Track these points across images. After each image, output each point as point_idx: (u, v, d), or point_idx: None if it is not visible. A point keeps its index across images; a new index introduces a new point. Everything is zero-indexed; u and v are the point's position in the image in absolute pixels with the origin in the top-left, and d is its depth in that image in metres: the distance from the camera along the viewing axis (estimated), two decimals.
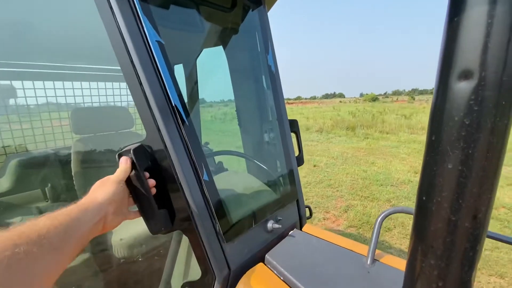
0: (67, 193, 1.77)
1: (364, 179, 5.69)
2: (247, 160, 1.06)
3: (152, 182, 0.64)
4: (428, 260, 0.40)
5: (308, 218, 1.05)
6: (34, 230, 0.42)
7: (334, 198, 4.74)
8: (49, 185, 1.70)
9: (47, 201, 1.66)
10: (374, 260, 0.72)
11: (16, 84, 1.87)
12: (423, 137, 10.40)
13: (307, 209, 1.04)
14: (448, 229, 0.34)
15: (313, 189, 5.16)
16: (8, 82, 1.78)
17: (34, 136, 1.98)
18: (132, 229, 1.39)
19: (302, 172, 6.04)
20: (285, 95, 1.06)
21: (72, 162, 1.64)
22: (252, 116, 1.07)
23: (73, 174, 1.61)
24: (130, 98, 2.43)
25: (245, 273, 0.71)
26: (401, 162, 6.96)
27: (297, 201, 0.98)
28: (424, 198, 0.38)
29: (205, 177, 0.67)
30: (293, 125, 1.05)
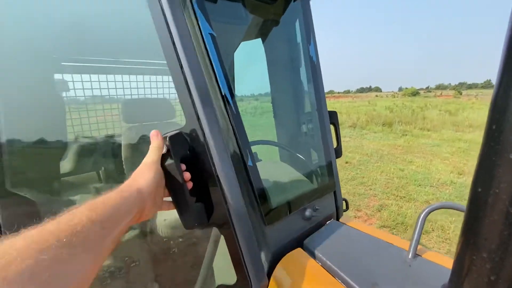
0: (118, 176, 1.96)
1: (400, 178, 5.41)
2: (284, 151, 1.09)
3: (187, 175, 0.61)
4: (480, 253, 0.39)
5: (345, 210, 1.06)
6: (67, 226, 0.37)
7: (366, 196, 4.59)
8: (103, 168, 1.90)
9: (101, 183, 1.86)
10: (416, 255, 0.71)
11: (75, 77, 2.09)
12: (470, 136, 9.52)
13: (343, 202, 1.05)
14: (505, 221, 0.34)
15: (345, 186, 5.04)
16: (70, 76, 2.01)
17: (89, 124, 2.23)
18: (175, 211, 1.50)
19: None
20: None
21: (122, 148, 1.81)
22: (290, 107, 1.09)
23: (123, 159, 1.79)
24: (171, 91, 2.58)
25: (283, 256, 0.75)
26: (443, 162, 6.47)
27: (335, 192, 0.99)
28: (479, 189, 0.37)
29: (249, 162, 0.71)
30: (332, 117, 1.05)
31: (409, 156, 7.13)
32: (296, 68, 1.04)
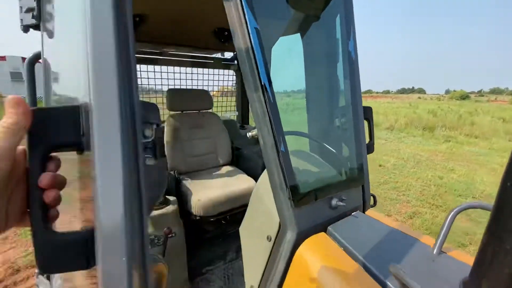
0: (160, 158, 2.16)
1: (438, 187, 5.07)
2: (314, 144, 1.13)
3: (51, 179, 0.34)
4: (503, 245, 0.41)
5: (372, 206, 1.07)
6: None
7: (398, 202, 4.39)
8: None
9: None
10: (441, 252, 0.72)
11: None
12: None
13: (371, 198, 1.07)
14: None
15: (375, 189, 4.86)
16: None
17: None
18: (209, 192, 1.63)
19: None
20: None
21: (164, 133, 1.98)
22: (324, 101, 1.12)
23: (165, 143, 1.96)
24: (210, 82, 2.71)
25: (308, 237, 0.81)
26: (490, 173, 5.91)
27: (363, 186, 1.01)
28: (509, 184, 0.40)
29: (282, 148, 0.78)
30: (367, 112, 1.07)
31: (450, 163, 6.62)
32: (334, 62, 1.06)
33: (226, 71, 2.90)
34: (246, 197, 1.74)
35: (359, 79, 1.04)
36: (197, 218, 1.61)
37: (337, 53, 1.04)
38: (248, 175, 1.94)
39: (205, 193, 1.63)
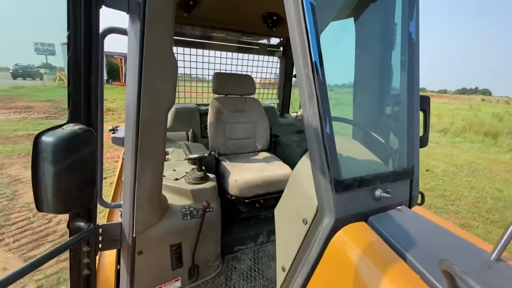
0: (202, 140, 2.27)
1: (496, 200, 4.50)
2: (359, 132, 1.08)
3: None
4: None
5: (420, 204, 1.00)
6: None
7: (445, 211, 4.01)
8: (191, 130, 2.22)
9: (188, 141, 2.18)
10: (499, 259, 0.65)
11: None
12: None
13: (419, 196, 0.99)
14: None
15: None
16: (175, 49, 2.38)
17: (184, 92, 2.62)
18: (246, 175, 1.67)
19: None
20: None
21: (208, 115, 2.07)
22: (374, 88, 1.05)
23: (208, 124, 2.05)
24: (254, 69, 2.73)
25: (346, 224, 0.78)
26: None
27: (411, 181, 0.94)
28: None
29: (327, 129, 0.76)
30: (424, 102, 0.98)
31: None
32: (390, 46, 0.99)
33: (269, 59, 2.88)
34: (282, 183, 1.75)
35: (418, 65, 0.95)
36: (233, 198, 1.67)
37: (395, 35, 0.97)
38: (285, 163, 1.94)
39: (242, 174, 1.67)
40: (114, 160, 5.07)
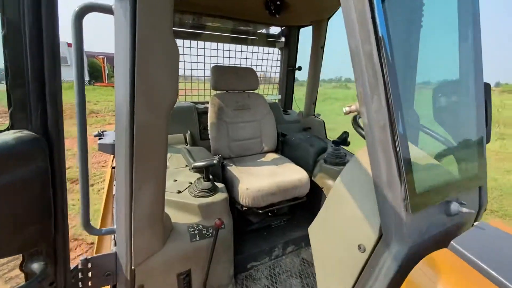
0: (202, 142, 2.03)
1: (492, 189, 4.50)
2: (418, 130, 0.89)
3: None
4: None
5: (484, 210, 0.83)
6: None
7: None
8: (189, 131, 1.97)
9: (187, 145, 1.94)
10: None
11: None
12: None
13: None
14: None
15: None
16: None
17: (184, 89, 2.37)
18: (258, 181, 1.46)
19: None
20: None
21: (209, 114, 1.83)
22: (432, 74, 0.87)
23: (209, 124, 1.81)
24: (254, 62, 2.49)
25: (422, 253, 0.60)
26: None
27: (480, 188, 0.77)
28: None
29: (399, 129, 0.56)
30: (485, 91, 0.81)
31: (506, 164, 5.89)
32: (453, 27, 0.80)
33: (270, 51, 2.65)
34: (298, 189, 1.55)
35: (481, 48, 0.77)
36: (244, 208, 1.46)
37: (458, 14, 0.77)
38: (297, 165, 1.74)
39: (253, 181, 1.46)
40: (101, 166, 4.73)
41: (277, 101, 2.79)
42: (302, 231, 1.66)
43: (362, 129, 0.89)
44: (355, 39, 0.59)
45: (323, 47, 2.19)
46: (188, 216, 1.16)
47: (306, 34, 2.47)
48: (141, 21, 0.67)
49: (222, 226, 1.09)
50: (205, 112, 2.10)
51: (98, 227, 0.94)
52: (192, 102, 2.27)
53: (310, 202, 1.65)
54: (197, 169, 1.34)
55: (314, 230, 0.87)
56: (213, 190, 1.23)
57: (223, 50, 2.42)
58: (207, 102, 2.35)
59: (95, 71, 19.61)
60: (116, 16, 0.71)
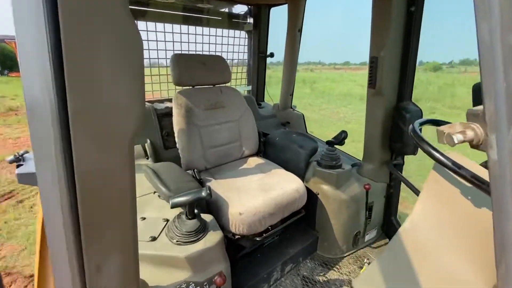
0: (167, 152, 1.63)
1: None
2: None
3: None
4: None
5: None
6: None
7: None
8: (148, 141, 1.56)
9: (147, 159, 1.53)
10: None
11: None
12: None
13: None
14: None
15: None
16: None
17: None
18: (250, 200, 1.17)
19: None
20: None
21: (174, 117, 1.44)
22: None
23: (176, 131, 1.43)
24: (212, 47, 2.10)
25: None
26: None
27: None
28: None
29: None
30: None
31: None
32: None
33: (235, 34, 2.29)
34: (297, 202, 1.31)
35: None
36: (236, 237, 1.18)
37: None
38: (285, 169, 1.50)
39: (245, 201, 1.16)
40: None
41: (246, 92, 2.48)
42: (298, 245, 1.45)
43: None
44: (489, 24, 0.33)
45: (300, 30, 1.92)
46: (173, 272, 0.84)
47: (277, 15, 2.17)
48: None
49: (224, 283, 0.80)
50: (166, 114, 1.69)
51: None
52: (148, 101, 1.82)
53: (304, 209, 1.44)
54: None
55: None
56: (202, 231, 0.91)
57: (176, 33, 1.98)
58: (167, 100, 1.92)
59: (7, 59, 16.22)
60: None
